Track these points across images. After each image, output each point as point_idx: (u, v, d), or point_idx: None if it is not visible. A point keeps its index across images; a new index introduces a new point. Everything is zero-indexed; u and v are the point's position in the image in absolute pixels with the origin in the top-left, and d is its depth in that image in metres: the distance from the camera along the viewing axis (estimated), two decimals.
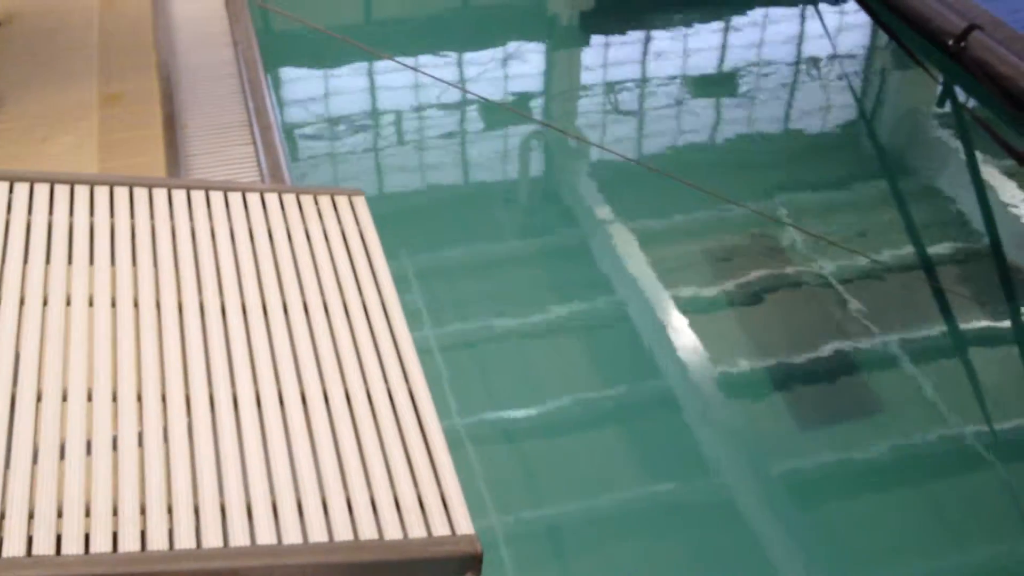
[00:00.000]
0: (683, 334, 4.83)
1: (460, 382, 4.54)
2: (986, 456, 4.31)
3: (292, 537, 1.94)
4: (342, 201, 2.85)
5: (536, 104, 6.92)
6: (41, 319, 2.29)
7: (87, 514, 1.90)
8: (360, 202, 2.85)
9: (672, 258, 5.35)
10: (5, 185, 2.59)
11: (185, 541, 1.88)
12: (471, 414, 4.41)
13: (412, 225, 5.60)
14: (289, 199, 2.81)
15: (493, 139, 6.46)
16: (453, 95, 6.80)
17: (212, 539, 1.90)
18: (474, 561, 2.00)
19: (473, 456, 4.19)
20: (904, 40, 7.09)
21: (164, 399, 2.16)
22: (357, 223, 2.79)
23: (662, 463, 4.26)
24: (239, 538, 1.92)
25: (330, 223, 2.76)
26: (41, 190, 2.61)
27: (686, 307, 5.01)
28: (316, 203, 2.81)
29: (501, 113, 6.63)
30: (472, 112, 6.71)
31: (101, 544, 1.85)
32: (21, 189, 2.59)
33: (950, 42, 6.60)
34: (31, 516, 1.87)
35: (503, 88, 6.95)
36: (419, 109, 6.69)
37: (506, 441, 4.36)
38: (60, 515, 1.89)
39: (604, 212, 5.74)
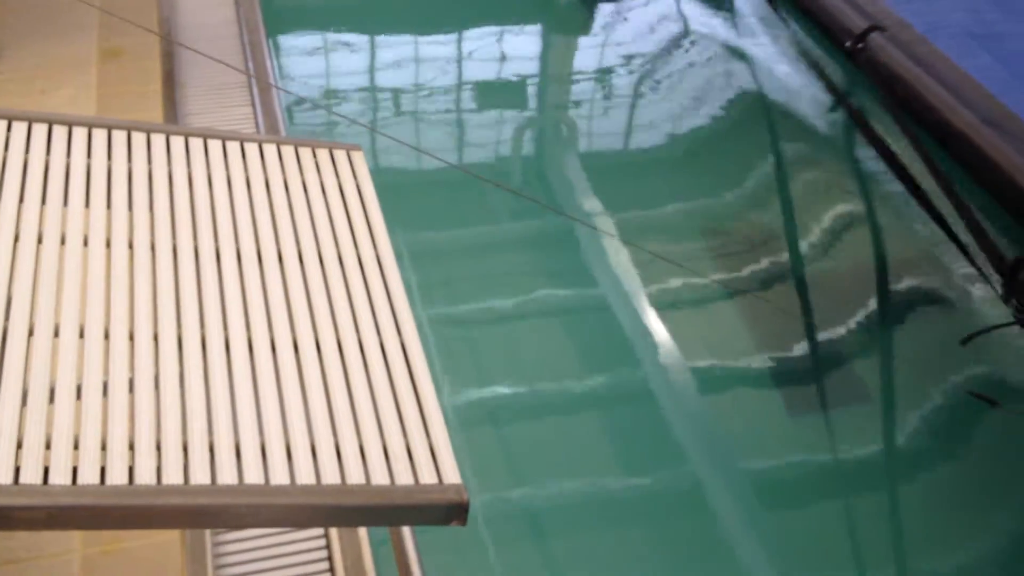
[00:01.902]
0: (668, 323, 4.83)
1: (444, 360, 4.53)
2: (969, 450, 4.34)
3: (280, 479, 1.95)
4: (340, 155, 2.84)
5: (531, 84, 6.90)
6: (35, 258, 2.28)
7: (75, 447, 1.90)
8: (358, 157, 2.84)
9: (661, 248, 5.34)
10: (3, 124, 2.58)
11: (173, 477, 1.88)
12: (454, 393, 4.40)
13: (405, 201, 5.58)
14: (287, 151, 2.80)
15: (490, 120, 6.44)
16: (453, 75, 6.78)
17: (200, 476, 1.90)
18: (460, 509, 2.01)
19: (454, 434, 4.18)
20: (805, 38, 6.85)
21: (156, 340, 2.16)
22: (355, 177, 2.78)
23: (644, 449, 4.26)
24: (227, 477, 1.92)
25: (328, 176, 2.76)
26: (39, 130, 2.60)
27: (673, 297, 5.01)
28: (314, 156, 2.81)
29: (499, 94, 6.60)
30: (472, 92, 6.68)
31: (88, 476, 1.85)
32: (19, 128, 2.58)
33: (847, 43, 6.32)
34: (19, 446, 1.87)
35: (499, 67, 6.93)
36: (418, 84, 6.66)
37: (489, 422, 4.36)
38: (48, 447, 1.89)
39: (593, 200, 5.72)
